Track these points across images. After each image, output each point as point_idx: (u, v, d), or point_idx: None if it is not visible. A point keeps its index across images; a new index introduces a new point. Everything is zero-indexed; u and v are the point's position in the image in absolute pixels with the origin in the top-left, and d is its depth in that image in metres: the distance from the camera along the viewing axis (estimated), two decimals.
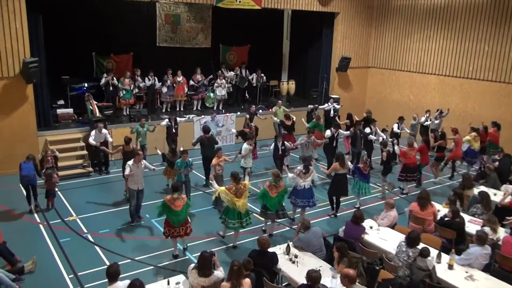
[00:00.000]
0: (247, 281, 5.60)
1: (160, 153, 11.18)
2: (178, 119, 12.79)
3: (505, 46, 14.20)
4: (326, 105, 15.76)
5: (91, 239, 8.61)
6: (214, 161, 9.89)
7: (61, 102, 13.88)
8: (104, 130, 11.70)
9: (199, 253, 6.00)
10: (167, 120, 12.52)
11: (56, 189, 10.26)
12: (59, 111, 13.35)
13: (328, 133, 12.19)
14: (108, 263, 7.52)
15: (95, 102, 13.15)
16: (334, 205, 9.98)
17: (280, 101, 15.04)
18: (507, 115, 14.09)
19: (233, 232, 8.43)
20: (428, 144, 11.87)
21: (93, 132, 11.60)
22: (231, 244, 8.44)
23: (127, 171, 8.85)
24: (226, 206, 8.29)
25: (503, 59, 14.30)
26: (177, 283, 5.73)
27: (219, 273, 5.90)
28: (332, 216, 9.95)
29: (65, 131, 12.71)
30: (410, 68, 17.28)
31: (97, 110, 12.96)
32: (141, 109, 14.58)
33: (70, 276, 7.29)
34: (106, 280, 5.38)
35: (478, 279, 6.27)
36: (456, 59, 15.59)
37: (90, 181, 11.79)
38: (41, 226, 9.11)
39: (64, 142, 12.39)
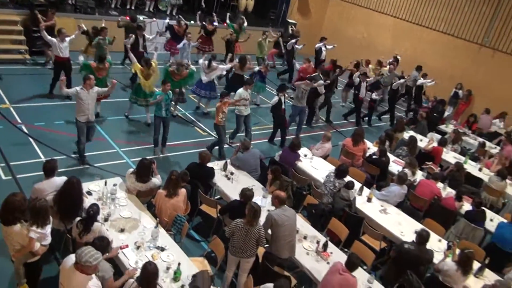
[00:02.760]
0: (182, 191, 5.87)
1: (85, 28, 10.39)
2: (146, 36, 11.30)
3: (461, 0, 14.52)
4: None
5: (25, 130, 8.35)
6: (218, 105, 8.60)
7: None
8: (67, 39, 9.44)
9: (138, 159, 6.12)
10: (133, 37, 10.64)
11: None
12: None
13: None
14: (42, 157, 7.46)
15: None
16: None
17: (268, 32, 14.20)
18: (448, 68, 14.74)
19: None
20: (334, 66, 12.81)
21: (59, 45, 9.33)
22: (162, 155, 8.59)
23: (70, 90, 7.27)
24: (135, 86, 9.53)
25: (457, 13, 14.66)
26: (114, 185, 5.82)
27: (157, 180, 6.09)
28: None
29: (0, 10, 11.60)
30: (369, 5, 17.23)
31: None
32: (88, 0, 13.43)
33: (1, 165, 7.15)
34: (39, 173, 5.38)
35: (391, 213, 7.00)
36: (414, 4, 15.76)
37: (27, 69, 11.06)
38: None
39: None
